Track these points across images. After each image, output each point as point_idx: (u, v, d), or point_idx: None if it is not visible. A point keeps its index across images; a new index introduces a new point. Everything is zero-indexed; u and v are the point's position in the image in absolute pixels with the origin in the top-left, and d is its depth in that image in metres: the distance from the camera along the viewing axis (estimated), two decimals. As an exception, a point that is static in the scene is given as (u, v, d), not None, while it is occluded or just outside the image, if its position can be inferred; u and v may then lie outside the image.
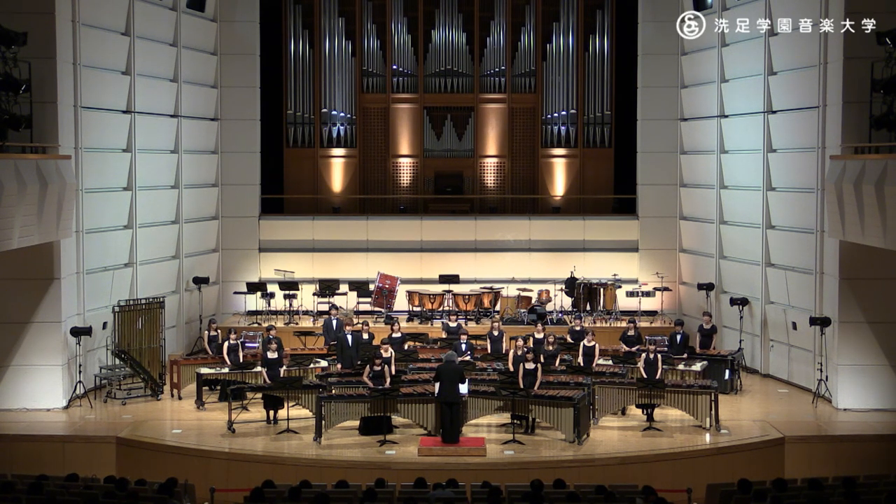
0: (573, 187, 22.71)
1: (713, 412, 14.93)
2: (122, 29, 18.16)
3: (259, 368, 15.89)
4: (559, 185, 22.75)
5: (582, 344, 16.47)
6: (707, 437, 14.73)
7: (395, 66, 22.53)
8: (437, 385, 14.30)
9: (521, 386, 14.66)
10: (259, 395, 15.61)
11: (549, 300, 20.58)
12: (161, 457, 14.24)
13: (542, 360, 15.68)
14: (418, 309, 20.35)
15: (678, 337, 17.25)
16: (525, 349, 15.40)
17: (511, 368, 15.46)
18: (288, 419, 14.98)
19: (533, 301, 20.37)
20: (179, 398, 16.87)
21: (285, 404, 15.17)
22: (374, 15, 22.48)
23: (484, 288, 20.79)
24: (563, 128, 22.55)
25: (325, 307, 19.58)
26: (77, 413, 16.00)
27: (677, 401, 15.06)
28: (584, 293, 20.58)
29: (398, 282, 20.62)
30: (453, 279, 20.84)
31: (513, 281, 20.98)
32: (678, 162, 21.39)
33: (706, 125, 20.39)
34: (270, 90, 22.12)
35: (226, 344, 16.50)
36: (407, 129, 22.81)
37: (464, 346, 16.52)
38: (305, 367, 16.46)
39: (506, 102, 22.76)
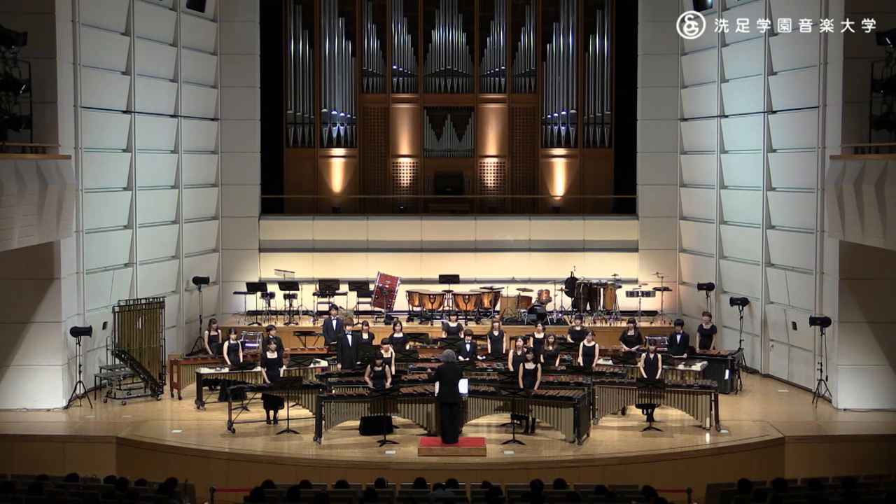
0: (573, 187, 22.71)
1: (713, 412, 14.93)
2: (122, 29, 18.16)
3: (259, 368, 15.89)
4: (559, 185, 22.75)
5: (582, 344, 16.47)
6: (707, 437, 14.73)
7: (395, 66, 22.53)
8: (438, 385, 14.31)
9: (521, 386, 14.66)
10: (259, 395, 15.62)
11: (549, 300, 20.57)
12: (161, 457, 14.24)
13: (542, 360, 15.68)
14: (418, 309, 20.35)
15: (678, 337, 17.25)
16: (525, 349, 15.39)
17: (511, 368, 15.46)
18: (288, 419, 14.99)
19: (533, 301, 20.36)
20: (179, 398, 16.87)
21: (285, 404, 15.18)
22: (374, 15, 22.49)
23: (484, 288, 20.79)
24: (563, 128, 22.56)
25: (325, 307, 19.57)
26: (77, 413, 16.00)
27: (677, 401, 15.06)
28: (584, 293, 20.57)
29: (398, 282, 20.62)
30: (453, 279, 20.84)
31: (513, 281, 20.98)
32: (678, 162, 21.39)
33: (706, 125, 20.39)
34: (270, 90, 22.12)
35: (226, 344, 16.50)
36: (407, 129, 22.81)
37: (468, 347, 16.53)
38: (305, 367, 16.45)
39: (506, 102, 22.76)
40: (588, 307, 20.62)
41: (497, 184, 22.88)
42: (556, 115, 22.54)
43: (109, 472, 13.35)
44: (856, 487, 10.97)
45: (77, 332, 16.27)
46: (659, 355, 15.82)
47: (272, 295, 20.38)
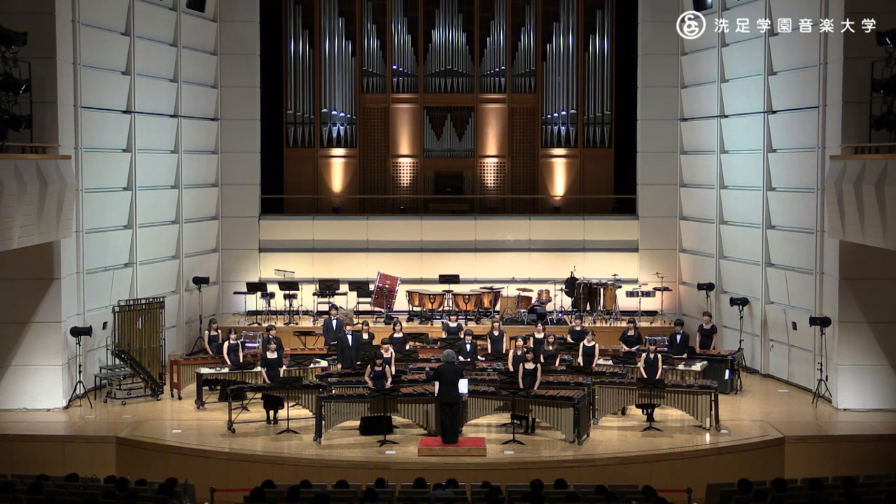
0: (573, 187, 22.71)
1: (713, 412, 14.93)
2: (122, 29, 18.16)
3: (259, 368, 15.89)
4: (559, 185, 22.75)
5: (582, 344, 16.47)
6: (707, 437, 14.73)
7: (395, 66, 22.53)
8: (437, 385, 14.30)
9: (521, 386, 14.66)
10: (259, 395, 15.62)
11: (549, 300, 20.57)
12: (161, 457, 14.24)
13: (542, 360, 15.68)
14: (418, 309, 20.35)
15: (678, 337, 17.25)
16: (525, 349, 15.40)
17: (511, 368, 15.46)
18: (288, 419, 14.99)
19: (533, 301, 20.36)
20: (179, 398, 16.87)
21: (285, 404, 15.18)
22: (374, 15, 22.49)
23: (484, 288, 20.79)
24: (563, 128, 22.56)
25: (325, 307, 19.58)
26: (77, 413, 16.00)
27: (677, 401, 15.06)
28: (584, 293, 20.57)
29: (398, 282, 20.62)
30: (453, 279, 20.84)
31: (513, 281, 20.98)
32: (678, 162, 21.39)
33: (706, 125, 20.39)
34: (270, 90, 22.12)
35: (226, 344, 16.50)
36: (407, 129, 22.81)
37: (468, 347, 16.52)
38: (305, 367, 16.45)
39: (506, 102, 22.76)
40: (588, 307, 20.62)
41: (497, 184, 22.88)
42: (556, 115, 22.53)
43: (109, 472, 13.35)
44: (856, 487, 10.96)
45: (77, 332, 16.27)
46: (659, 355, 15.82)
47: (272, 295, 20.38)
